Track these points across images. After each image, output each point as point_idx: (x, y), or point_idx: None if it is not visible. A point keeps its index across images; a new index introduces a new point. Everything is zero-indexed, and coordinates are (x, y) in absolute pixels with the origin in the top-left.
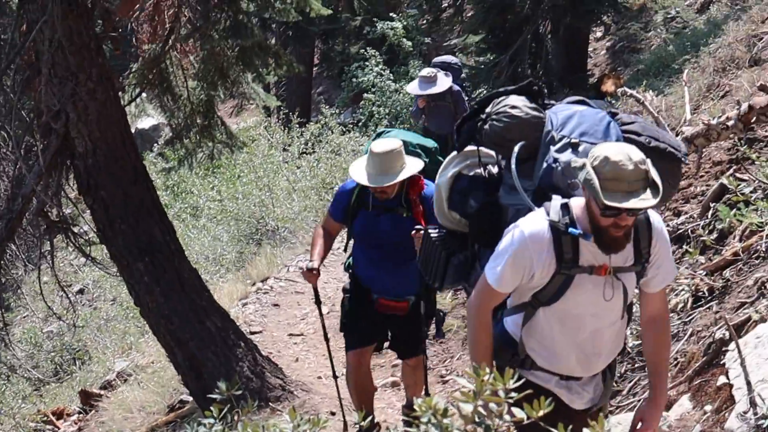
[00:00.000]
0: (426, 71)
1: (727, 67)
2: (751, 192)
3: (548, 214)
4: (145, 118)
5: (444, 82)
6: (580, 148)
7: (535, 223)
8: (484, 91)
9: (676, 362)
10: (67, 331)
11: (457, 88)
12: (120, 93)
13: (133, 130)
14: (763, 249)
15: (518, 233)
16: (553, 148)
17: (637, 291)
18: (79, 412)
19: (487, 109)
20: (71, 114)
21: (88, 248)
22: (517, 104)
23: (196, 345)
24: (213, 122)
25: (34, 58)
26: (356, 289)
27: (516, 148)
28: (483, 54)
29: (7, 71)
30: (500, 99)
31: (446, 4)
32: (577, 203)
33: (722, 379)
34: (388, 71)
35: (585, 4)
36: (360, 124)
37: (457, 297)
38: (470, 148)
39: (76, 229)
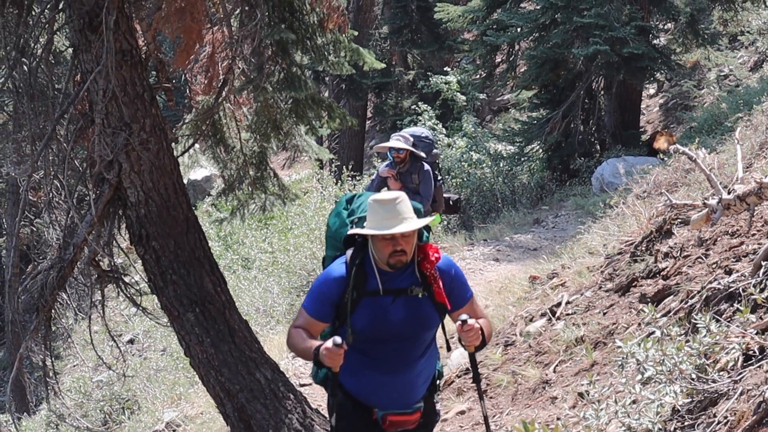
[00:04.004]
0: (398, 134)
1: None
2: None
3: None
4: (198, 169)
5: (408, 145)
6: None
7: None
8: (537, 147)
9: (726, 421)
10: (116, 380)
11: (427, 167)
12: (173, 144)
13: (185, 181)
14: None
15: None
16: None
17: None
18: None
19: None
20: (124, 164)
21: (139, 298)
22: None
23: (245, 396)
24: (265, 174)
25: (88, 108)
26: (349, 408)
27: None
28: (536, 109)
29: (61, 121)
30: None
31: (499, 60)
32: None
33: None
34: (440, 126)
35: (638, 61)
36: None
37: (507, 352)
38: None
39: (127, 279)
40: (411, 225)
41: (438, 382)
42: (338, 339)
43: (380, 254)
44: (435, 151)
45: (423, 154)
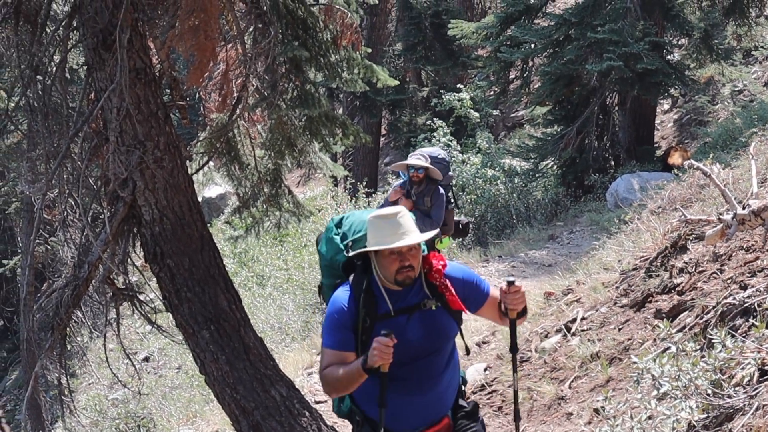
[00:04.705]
0: (417, 152)
1: None
2: None
3: None
4: (213, 186)
5: (428, 163)
6: None
7: None
8: (551, 163)
9: None
10: (132, 398)
11: (441, 190)
12: (187, 161)
13: (200, 199)
14: None
15: None
16: None
17: None
18: None
19: None
20: (138, 182)
21: (154, 316)
22: None
23: (260, 414)
24: (280, 191)
25: (102, 126)
26: None
27: None
28: (550, 125)
29: (75, 139)
30: None
31: (513, 76)
32: None
33: None
34: (455, 142)
35: (652, 76)
36: None
37: (522, 368)
38: None
39: (142, 297)
40: (417, 237)
41: (463, 388)
42: (384, 330)
43: (386, 272)
44: (449, 174)
45: (440, 176)
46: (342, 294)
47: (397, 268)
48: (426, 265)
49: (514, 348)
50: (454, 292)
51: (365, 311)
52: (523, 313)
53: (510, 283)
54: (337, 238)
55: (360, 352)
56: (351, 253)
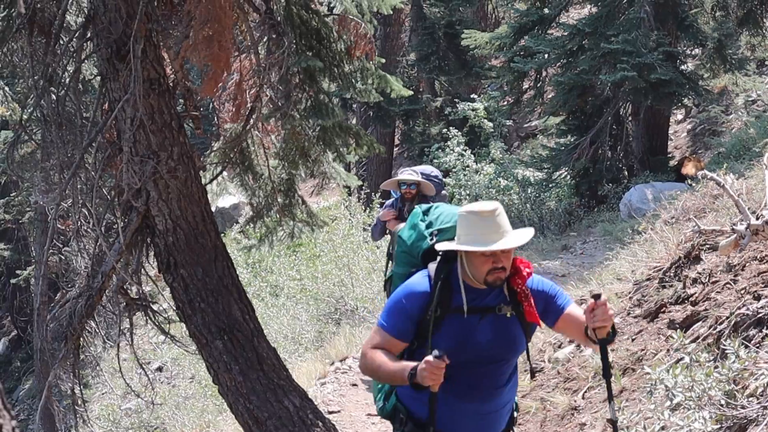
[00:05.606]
0: (408, 169)
1: None
2: None
3: None
4: (226, 196)
5: (419, 178)
6: None
7: None
8: (565, 173)
9: None
10: (145, 408)
11: None
12: (201, 171)
13: (213, 209)
14: None
15: None
16: None
17: None
18: None
19: None
20: (152, 192)
21: (167, 326)
22: None
23: (274, 424)
24: (294, 201)
25: (116, 136)
26: None
27: None
28: (563, 135)
29: (89, 149)
30: None
31: (527, 86)
32: None
33: None
34: (469, 152)
35: (666, 86)
36: None
37: (535, 379)
38: None
39: (155, 307)
40: (515, 240)
41: (515, 414)
42: (437, 351)
43: (476, 272)
44: (443, 192)
45: (432, 190)
46: (419, 280)
47: (488, 269)
48: (511, 268)
49: (607, 373)
50: (532, 303)
51: (439, 301)
52: (614, 333)
53: (596, 297)
54: (422, 225)
55: (418, 342)
56: (440, 247)
